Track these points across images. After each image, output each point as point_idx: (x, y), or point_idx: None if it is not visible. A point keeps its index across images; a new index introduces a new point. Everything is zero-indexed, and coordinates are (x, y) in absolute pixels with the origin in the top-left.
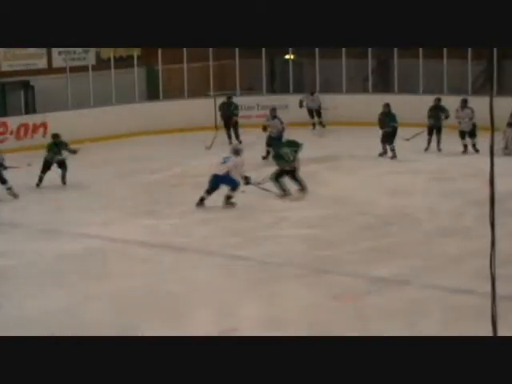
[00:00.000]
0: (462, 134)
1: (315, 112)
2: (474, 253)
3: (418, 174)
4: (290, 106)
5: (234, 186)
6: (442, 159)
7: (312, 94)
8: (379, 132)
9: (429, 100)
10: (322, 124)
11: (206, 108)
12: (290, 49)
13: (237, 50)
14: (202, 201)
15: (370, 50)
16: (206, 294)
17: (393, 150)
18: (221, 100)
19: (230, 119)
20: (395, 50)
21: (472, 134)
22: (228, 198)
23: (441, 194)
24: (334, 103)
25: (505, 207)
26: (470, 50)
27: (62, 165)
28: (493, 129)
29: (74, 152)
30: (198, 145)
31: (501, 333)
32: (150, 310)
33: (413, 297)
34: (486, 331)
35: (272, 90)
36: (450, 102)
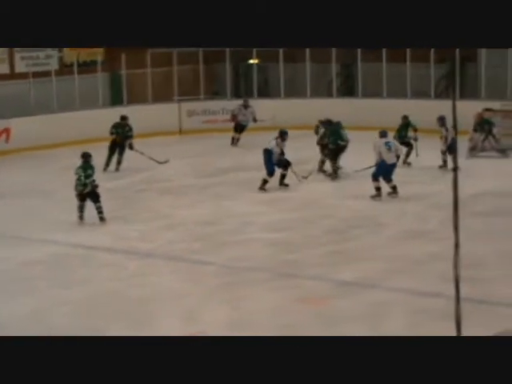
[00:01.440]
0: (443, 151)
1: (240, 128)
2: (438, 256)
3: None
4: (255, 110)
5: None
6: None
7: (246, 106)
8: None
9: (392, 104)
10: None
11: (170, 113)
12: (254, 53)
13: (201, 54)
14: (378, 190)
15: (333, 53)
16: (171, 299)
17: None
18: (187, 105)
19: (123, 141)
20: (359, 53)
21: (451, 150)
22: (393, 189)
23: (405, 198)
24: (273, 112)
25: (469, 210)
26: (432, 53)
27: (93, 195)
28: (456, 132)
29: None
30: (163, 150)
31: (465, 334)
32: (115, 316)
33: (377, 300)
34: (450, 333)
35: (237, 94)
36: (412, 105)
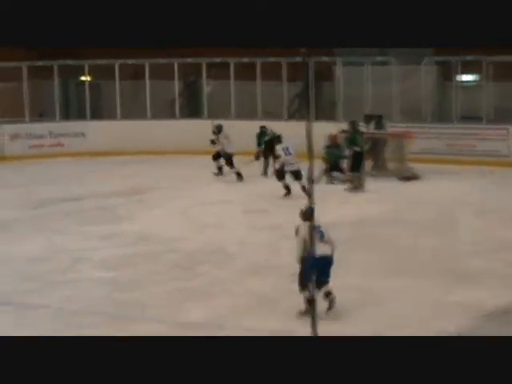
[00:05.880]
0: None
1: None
2: (290, 291)
3: (228, 205)
4: (88, 134)
5: None
6: (253, 189)
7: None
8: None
9: (241, 125)
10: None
11: None
12: (87, 69)
13: (24, 69)
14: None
15: (176, 70)
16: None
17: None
18: (9, 128)
19: None
20: (204, 70)
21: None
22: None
23: (252, 227)
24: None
25: None
26: (284, 70)
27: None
28: (312, 156)
29: None
30: None
31: None
32: None
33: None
34: None
35: (66, 115)
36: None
